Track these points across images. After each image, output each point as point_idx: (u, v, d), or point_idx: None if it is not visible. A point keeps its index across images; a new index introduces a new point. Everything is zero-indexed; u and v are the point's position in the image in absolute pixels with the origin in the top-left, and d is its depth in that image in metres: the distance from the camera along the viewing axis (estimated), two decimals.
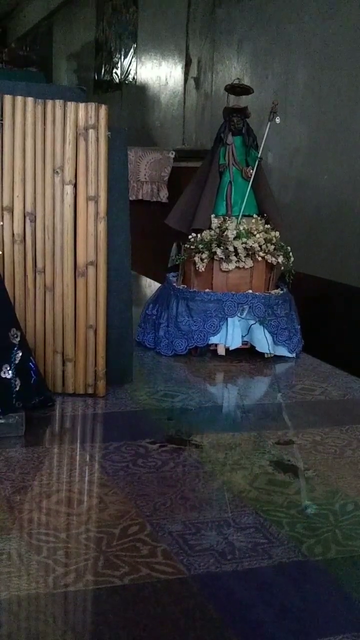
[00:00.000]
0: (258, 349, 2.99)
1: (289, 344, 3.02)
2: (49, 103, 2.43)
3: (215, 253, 2.99)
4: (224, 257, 2.98)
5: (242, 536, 1.70)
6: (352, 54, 4.57)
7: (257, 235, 3.00)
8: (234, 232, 2.98)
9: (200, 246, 3.02)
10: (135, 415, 2.43)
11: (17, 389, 2.17)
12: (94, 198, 2.46)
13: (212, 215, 3.09)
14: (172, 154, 6.02)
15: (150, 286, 4.60)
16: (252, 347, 3.02)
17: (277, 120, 3.04)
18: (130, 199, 2.84)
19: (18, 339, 2.21)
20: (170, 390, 2.65)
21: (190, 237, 3.08)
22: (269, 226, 3.07)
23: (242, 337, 3.00)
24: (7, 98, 2.41)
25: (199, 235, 3.06)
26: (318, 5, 4.90)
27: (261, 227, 3.05)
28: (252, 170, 3.09)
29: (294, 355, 3.04)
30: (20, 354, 2.20)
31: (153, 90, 7.50)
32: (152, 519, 1.74)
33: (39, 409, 2.34)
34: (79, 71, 9.74)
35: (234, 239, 2.97)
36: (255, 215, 3.10)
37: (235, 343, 3.00)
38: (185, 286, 3.11)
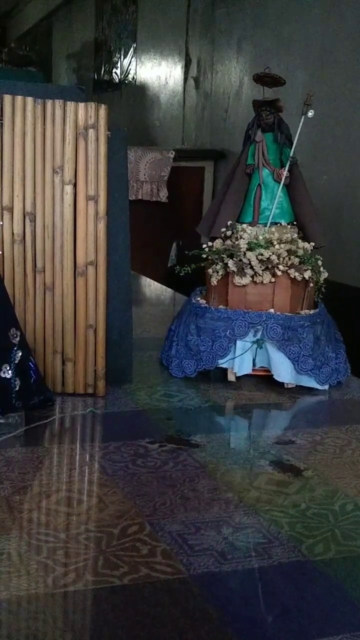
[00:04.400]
0: (275, 377, 2.61)
1: (316, 374, 2.59)
2: (49, 103, 2.43)
3: (227, 265, 2.62)
4: (236, 270, 2.59)
5: (242, 536, 1.70)
6: (352, 53, 4.57)
7: (277, 246, 2.58)
8: (247, 241, 2.60)
9: (215, 257, 2.66)
10: (134, 415, 2.43)
11: (16, 388, 2.17)
12: (93, 198, 2.46)
13: (229, 222, 2.71)
14: (171, 153, 6.03)
15: (150, 286, 4.59)
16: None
17: (310, 114, 2.63)
18: (130, 198, 2.83)
19: (18, 338, 2.21)
20: (170, 390, 2.65)
21: (204, 245, 2.72)
22: (296, 236, 2.69)
23: (255, 362, 2.62)
24: (7, 98, 2.41)
25: (212, 244, 2.71)
26: (318, 5, 4.91)
27: (286, 237, 2.64)
28: (284, 170, 2.69)
29: (325, 387, 2.63)
30: (20, 353, 2.20)
31: (153, 90, 7.50)
32: (151, 519, 1.74)
33: (39, 409, 2.34)
34: (79, 71, 9.75)
35: (248, 249, 2.58)
36: (283, 222, 2.71)
37: (243, 369, 2.62)
38: (205, 301, 2.74)
